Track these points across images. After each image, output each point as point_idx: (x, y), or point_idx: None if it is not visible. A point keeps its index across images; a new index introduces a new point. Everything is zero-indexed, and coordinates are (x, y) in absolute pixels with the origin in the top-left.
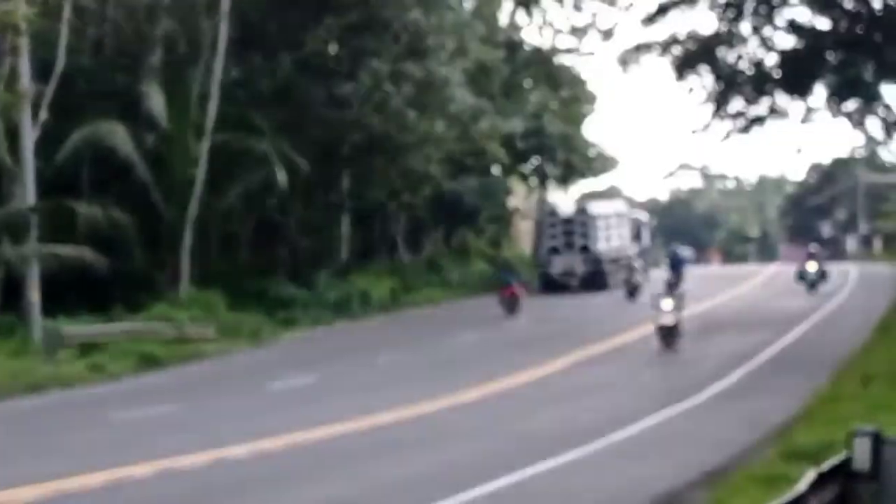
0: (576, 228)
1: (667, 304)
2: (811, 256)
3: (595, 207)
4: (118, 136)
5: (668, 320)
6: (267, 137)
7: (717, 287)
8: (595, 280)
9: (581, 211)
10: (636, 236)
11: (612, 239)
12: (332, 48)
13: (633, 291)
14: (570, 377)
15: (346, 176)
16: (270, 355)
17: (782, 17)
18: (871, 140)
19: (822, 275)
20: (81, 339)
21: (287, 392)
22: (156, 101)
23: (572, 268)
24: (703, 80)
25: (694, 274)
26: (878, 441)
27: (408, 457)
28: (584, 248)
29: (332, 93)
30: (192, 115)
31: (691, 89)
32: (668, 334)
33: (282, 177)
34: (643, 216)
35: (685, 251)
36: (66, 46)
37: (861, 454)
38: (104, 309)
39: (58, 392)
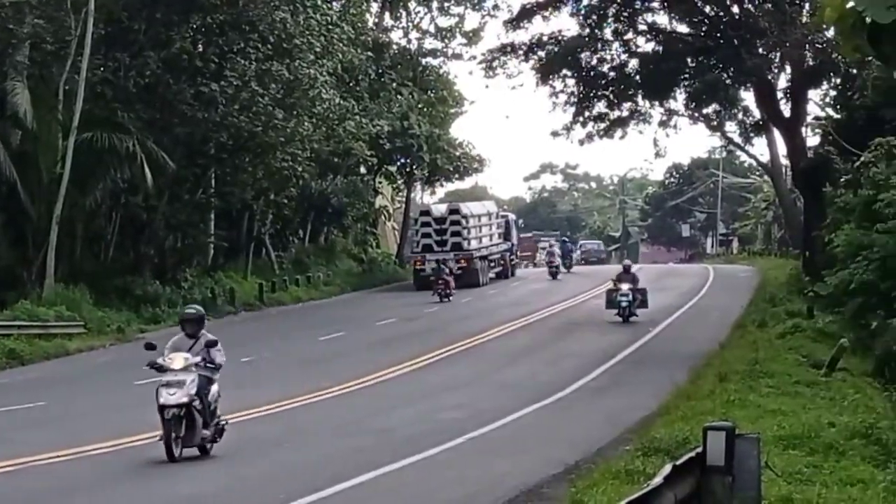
0: (448, 227)
1: (178, 361)
2: (625, 273)
3: (466, 207)
4: None
5: (171, 397)
6: (133, 135)
7: (579, 286)
8: (467, 277)
9: (453, 210)
10: (506, 235)
11: (482, 238)
12: (200, 47)
13: (555, 273)
14: (433, 374)
15: (213, 174)
16: (136, 352)
17: (644, 21)
18: (729, 143)
19: (639, 298)
20: None
21: (151, 389)
22: (22, 98)
23: (445, 265)
24: (566, 83)
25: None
26: (731, 436)
27: (269, 454)
28: (457, 247)
29: (199, 91)
30: (59, 113)
31: (554, 92)
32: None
33: (148, 175)
34: (512, 216)
35: (594, 244)
36: None
37: (715, 448)
38: None
39: None
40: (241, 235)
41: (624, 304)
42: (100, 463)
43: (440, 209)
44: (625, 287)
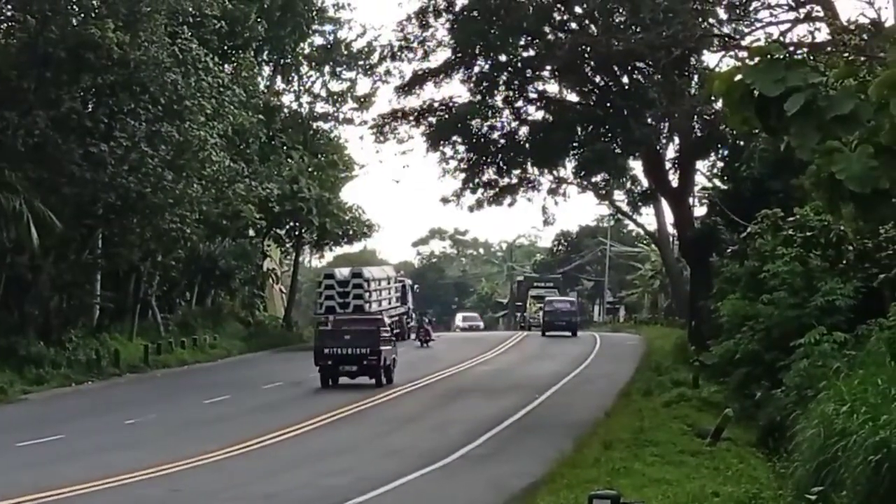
0: (351, 290)
1: None
2: None
3: (368, 271)
4: None
5: None
6: (20, 195)
7: (465, 352)
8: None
9: (356, 274)
10: (403, 298)
11: (382, 301)
12: (90, 107)
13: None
14: (319, 438)
15: (101, 235)
16: (19, 413)
17: (534, 89)
18: (617, 212)
19: None
20: None
21: (34, 451)
22: None
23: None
24: (456, 149)
25: (443, 338)
26: None
27: None
28: (359, 309)
29: (88, 152)
30: None
31: (444, 158)
32: None
33: (34, 235)
34: (408, 281)
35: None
36: None
37: None
38: None
39: None
40: (128, 297)
41: None
42: None
43: (343, 272)
44: None
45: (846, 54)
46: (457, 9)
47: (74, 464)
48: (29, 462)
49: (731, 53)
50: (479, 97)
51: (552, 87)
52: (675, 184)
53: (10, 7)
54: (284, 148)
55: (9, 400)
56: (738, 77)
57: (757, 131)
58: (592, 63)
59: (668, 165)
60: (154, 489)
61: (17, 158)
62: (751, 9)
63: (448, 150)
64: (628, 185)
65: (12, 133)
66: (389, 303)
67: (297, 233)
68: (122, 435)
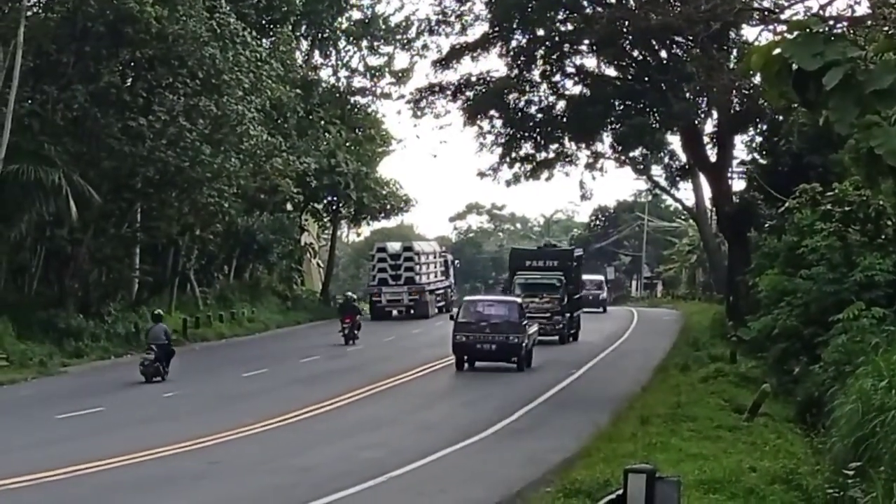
0: (402, 263)
1: None
2: None
3: (418, 245)
4: None
5: None
6: (59, 168)
7: None
8: (418, 309)
9: (407, 248)
10: (446, 273)
11: (430, 274)
12: (128, 81)
13: None
14: (356, 412)
15: (139, 209)
16: (58, 386)
17: (572, 64)
18: (655, 186)
19: None
20: None
21: (74, 423)
22: None
23: (399, 298)
24: (494, 124)
25: None
26: (652, 479)
27: (190, 490)
28: (410, 281)
29: (127, 126)
30: None
31: (482, 132)
32: None
33: (73, 208)
34: (450, 256)
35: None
36: None
37: (635, 491)
38: None
39: None
40: (166, 270)
41: None
42: (19, 497)
43: (395, 246)
44: None
45: (886, 28)
46: None
47: (113, 436)
48: (68, 434)
49: (770, 27)
50: (516, 71)
51: (590, 62)
52: (713, 158)
53: None
54: (322, 122)
55: (49, 372)
56: (777, 51)
57: (795, 106)
58: (630, 37)
59: (706, 140)
60: (192, 461)
61: (56, 133)
62: None
63: (485, 125)
64: (666, 159)
65: (52, 107)
66: (436, 276)
67: (334, 207)
68: (161, 407)
